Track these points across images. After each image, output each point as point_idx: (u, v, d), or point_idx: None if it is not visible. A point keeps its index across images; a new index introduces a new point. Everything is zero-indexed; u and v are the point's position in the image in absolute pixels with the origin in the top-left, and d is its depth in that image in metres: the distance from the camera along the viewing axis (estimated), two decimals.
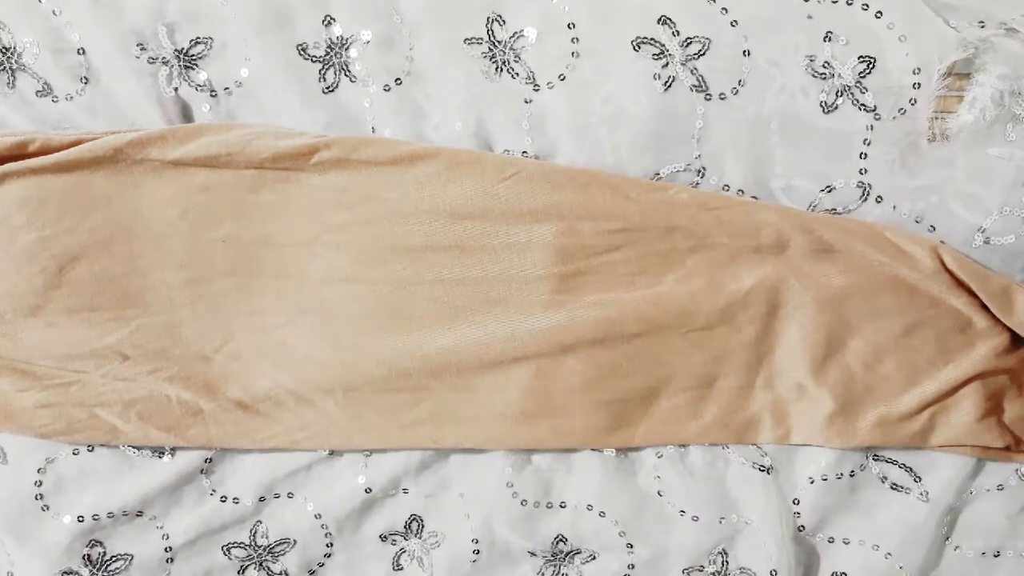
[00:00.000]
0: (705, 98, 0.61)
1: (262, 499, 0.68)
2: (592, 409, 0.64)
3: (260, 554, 0.68)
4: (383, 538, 0.69)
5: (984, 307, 0.61)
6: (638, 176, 0.62)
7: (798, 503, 0.66)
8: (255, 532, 0.68)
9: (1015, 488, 0.64)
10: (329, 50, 0.63)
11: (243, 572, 0.68)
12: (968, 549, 0.65)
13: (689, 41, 0.61)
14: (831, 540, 0.66)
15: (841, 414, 0.63)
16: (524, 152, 0.63)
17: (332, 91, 0.63)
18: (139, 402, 0.64)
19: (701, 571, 0.67)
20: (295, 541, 0.68)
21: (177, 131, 0.61)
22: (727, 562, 0.67)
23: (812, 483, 0.66)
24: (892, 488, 0.65)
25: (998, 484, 0.64)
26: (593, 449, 0.66)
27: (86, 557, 0.67)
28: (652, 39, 0.61)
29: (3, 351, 0.64)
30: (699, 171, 0.62)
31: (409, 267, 0.62)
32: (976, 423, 0.61)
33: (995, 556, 0.65)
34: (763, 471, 0.65)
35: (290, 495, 0.68)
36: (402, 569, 0.69)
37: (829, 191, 0.62)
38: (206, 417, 0.65)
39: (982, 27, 0.59)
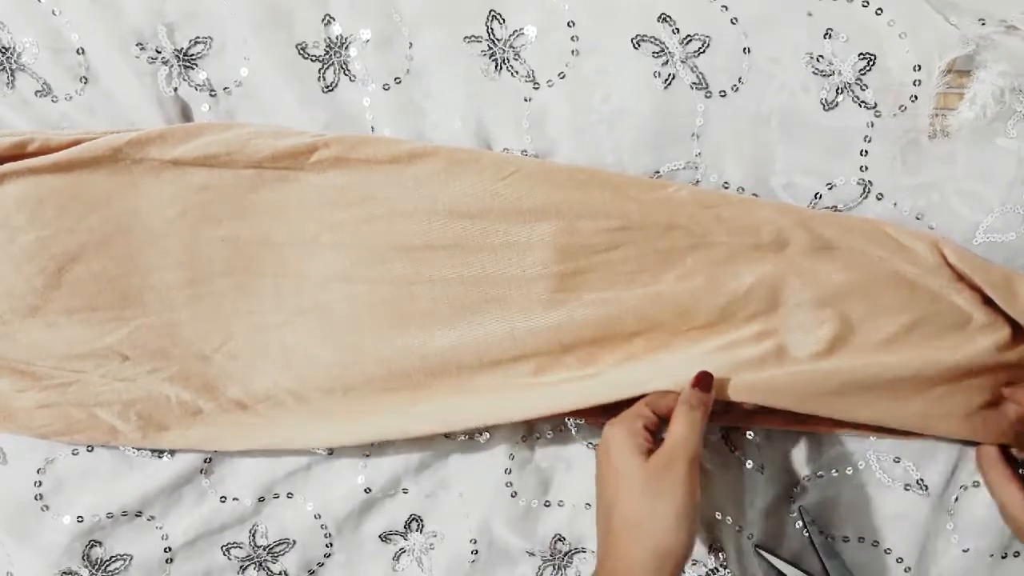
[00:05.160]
0: (705, 96, 0.61)
1: (261, 499, 0.67)
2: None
3: (260, 554, 0.68)
4: (383, 538, 0.68)
5: (985, 303, 0.60)
6: (638, 174, 0.62)
7: (796, 501, 0.66)
8: (254, 532, 0.68)
9: None
10: (328, 49, 0.63)
11: (243, 572, 0.68)
12: (974, 549, 0.64)
13: (689, 39, 0.61)
14: (831, 538, 0.66)
15: None
16: (523, 151, 0.63)
17: (331, 90, 0.63)
18: (138, 402, 0.64)
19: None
20: (294, 541, 0.68)
21: (176, 131, 0.61)
22: (725, 562, 0.66)
23: (810, 480, 0.65)
24: (892, 485, 0.65)
25: None
26: (590, 446, 0.66)
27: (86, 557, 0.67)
28: (652, 37, 0.61)
29: (2, 351, 0.63)
30: (699, 168, 0.62)
31: (408, 266, 0.62)
32: (975, 416, 0.61)
33: (1003, 558, 0.65)
34: (760, 471, 0.65)
35: (289, 495, 0.68)
36: (401, 569, 0.69)
37: (830, 188, 0.62)
38: (205, 417, 0.65)
39: (982, 24, 0.59)
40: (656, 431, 0.56)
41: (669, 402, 0.56)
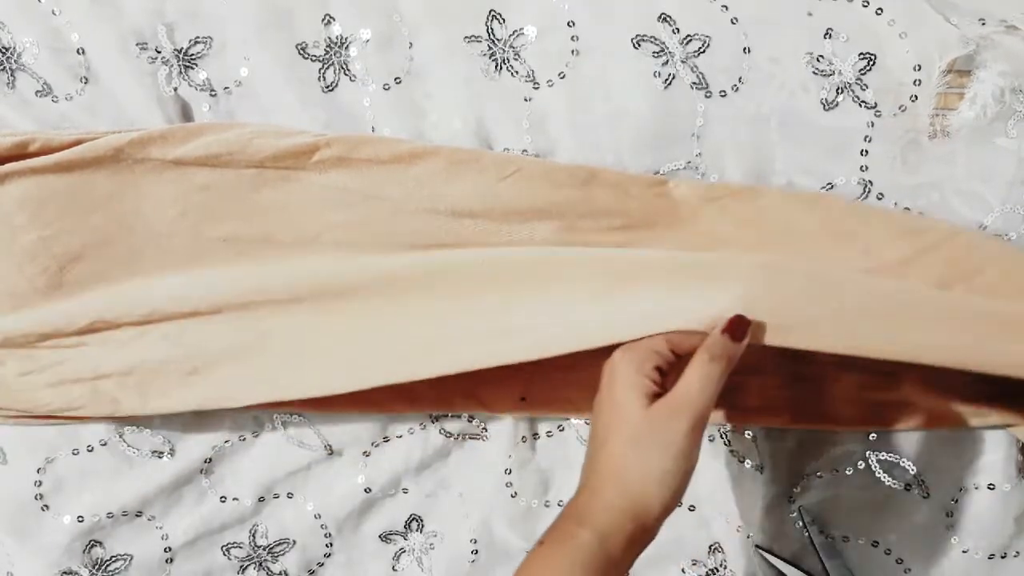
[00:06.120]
0: (705, 96, 0.61)
1: (261, 499, 0.67)
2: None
3: (260, 554, 0.68)
4: (383, 538, 0.68)
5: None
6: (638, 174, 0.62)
7: (795, 501, 0.66)
8: (254, 532, 0.68)
9: (1021, 488, 0.63)
10: (328, 49, 0.63)
11: (243, 572, 0.68)
12: (974, 550, 0.64)
13: (689, 39, 0.61)
14: (831, 538, 0.66)
15: None
16: (524, 150, 0.63)
17: (332, 90, 0.63)
18: (136, 371, 0.62)
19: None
20: (294, 541, 0.68)
21: (177, 130, 0.61)
22: (725, 562, 0.66)
23: (810, 480, 0.65)
24: (892, 485, 0.65)
25: (1005, 484, 0.63)
26: None
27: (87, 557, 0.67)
28: (652, 37, 0.61)
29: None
30: (699, 168, 0.62)
31: None
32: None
33: (1003, 558, 0.65)
34: (759, 471, 0.65)
35: (289, 495, 0.68)
36: (402, 569, 0.69)
37: (830, 188, 0.62)
38: (203, 374, 0.62)
39: (982, 24, 0.59)
40: (670, 372, 0.50)
41: (692, 343, 0.49)
